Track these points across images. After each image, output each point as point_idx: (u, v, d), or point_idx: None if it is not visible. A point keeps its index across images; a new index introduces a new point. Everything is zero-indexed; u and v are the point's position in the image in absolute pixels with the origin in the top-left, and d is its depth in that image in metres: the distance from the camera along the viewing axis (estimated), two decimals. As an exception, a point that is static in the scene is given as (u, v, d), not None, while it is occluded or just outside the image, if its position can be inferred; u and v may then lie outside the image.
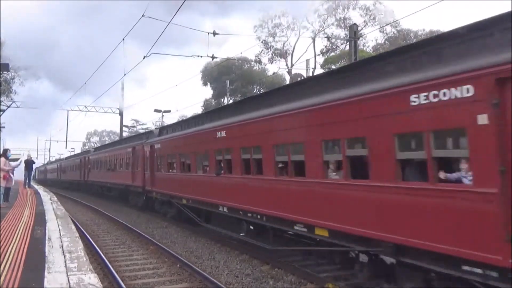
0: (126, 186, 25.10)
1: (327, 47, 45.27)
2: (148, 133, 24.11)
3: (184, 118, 29.87)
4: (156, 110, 49.07)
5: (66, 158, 59.39)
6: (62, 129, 59.95)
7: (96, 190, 36.10)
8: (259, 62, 49.53)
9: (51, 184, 61.76)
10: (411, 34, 43.20)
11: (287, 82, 43.46)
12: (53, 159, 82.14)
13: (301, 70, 42.45)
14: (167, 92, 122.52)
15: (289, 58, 48.16)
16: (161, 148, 18.77)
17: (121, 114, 45.50)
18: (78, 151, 69.90)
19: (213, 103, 52.60)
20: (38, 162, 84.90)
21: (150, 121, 71.80)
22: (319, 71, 39.59)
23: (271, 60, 48.75)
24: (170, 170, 17.52)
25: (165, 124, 30.84)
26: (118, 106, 45.05)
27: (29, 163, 27.11)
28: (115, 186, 28.58)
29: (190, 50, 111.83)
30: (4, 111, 36.23)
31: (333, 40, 43.50)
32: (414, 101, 5.90)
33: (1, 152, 17.92)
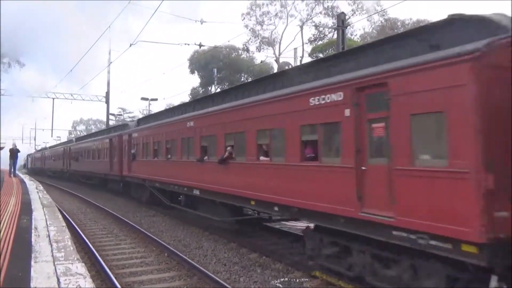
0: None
1: (315, 36, 45.20)
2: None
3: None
4: (143, 98, 48.65)
5: (77, 139, 42.75)
6: (47, 117, 58.42)
7: (153, 197, 18.87)
8: (247, 50, 49.33)
9: (53, 176, 48.84)
10: (398, 23, 43.34)
11: (275, 70, 43.30)
12: (39, 148, 77.89)
13: (289, 58, 42.44)
14: (154, 80, 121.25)
15: (277, 46, 48.06)
16: None
17: (107, 102, 44.99)
18: (64, 139, 67.32)
19: (201, 92, 52.35)
20: (29, 150, 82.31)
21: (137, 109, 71.22)
22: (307, 59, 39.57)
23: (258, 49, 48.58)
24: None
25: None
26: (104, 94, 44.47)
27: (14, 152, 27.00)
28: (223, 199, 12.06)
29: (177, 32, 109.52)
30: None
31: (321, 29, 43.44)
32: None
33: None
